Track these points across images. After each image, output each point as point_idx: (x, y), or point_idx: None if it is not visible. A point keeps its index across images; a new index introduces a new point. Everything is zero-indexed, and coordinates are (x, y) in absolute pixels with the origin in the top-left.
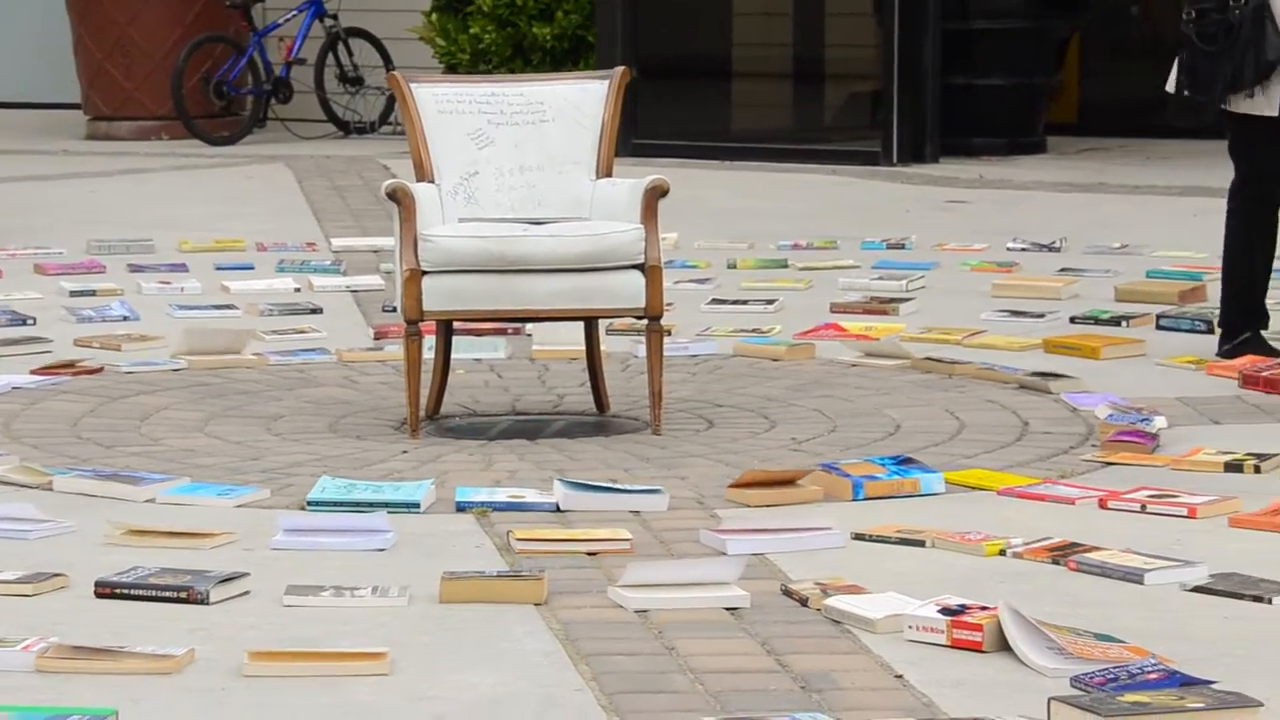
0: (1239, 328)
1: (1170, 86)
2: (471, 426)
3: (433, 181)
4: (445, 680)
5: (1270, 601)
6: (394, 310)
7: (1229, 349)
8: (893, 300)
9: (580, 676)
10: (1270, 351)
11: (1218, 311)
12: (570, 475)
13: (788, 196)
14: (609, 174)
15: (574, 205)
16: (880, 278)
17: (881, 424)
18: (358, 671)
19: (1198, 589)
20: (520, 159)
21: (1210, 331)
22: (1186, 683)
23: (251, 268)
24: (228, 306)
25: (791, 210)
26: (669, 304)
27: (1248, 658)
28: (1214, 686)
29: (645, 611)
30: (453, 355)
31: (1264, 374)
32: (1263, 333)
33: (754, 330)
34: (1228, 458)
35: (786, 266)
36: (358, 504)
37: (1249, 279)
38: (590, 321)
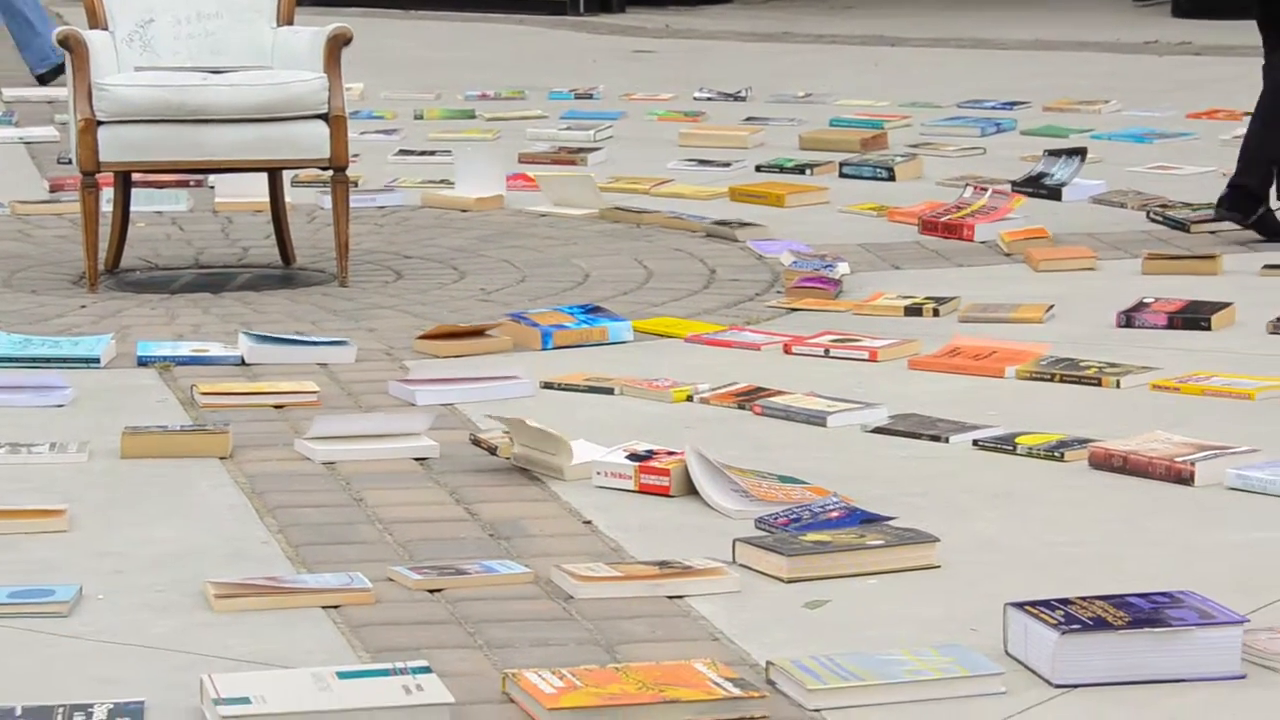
0: (1256, 198)
1: None
2: (153, 280)
3: (106, 29)
4: (127, 535)
5: (947, 440)
6: (69, 162)
7: (1250, 221)
8: (581, 150)
9: (266, 529)
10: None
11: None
12: (255, 328)
13: (474, 46)
14: (290, 22)
15: (255, 54)
16: (568, 128)
17: (570, 273)
18: (36, 529)
19: (878, 430)
20: (197, 6)
21: (892, 179)
22: (867, 520)
23: None
24: None
25: (478, 60)
26: (355, 155)
27: (925, 495)
28: (893, 523)
29: (332, 463)
30: (132, 208)
31: (943, 219)
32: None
33: (442, 181)
34: (908, 302)
35: (474, 117)
36: (34, 360)
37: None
38: (274, 173)
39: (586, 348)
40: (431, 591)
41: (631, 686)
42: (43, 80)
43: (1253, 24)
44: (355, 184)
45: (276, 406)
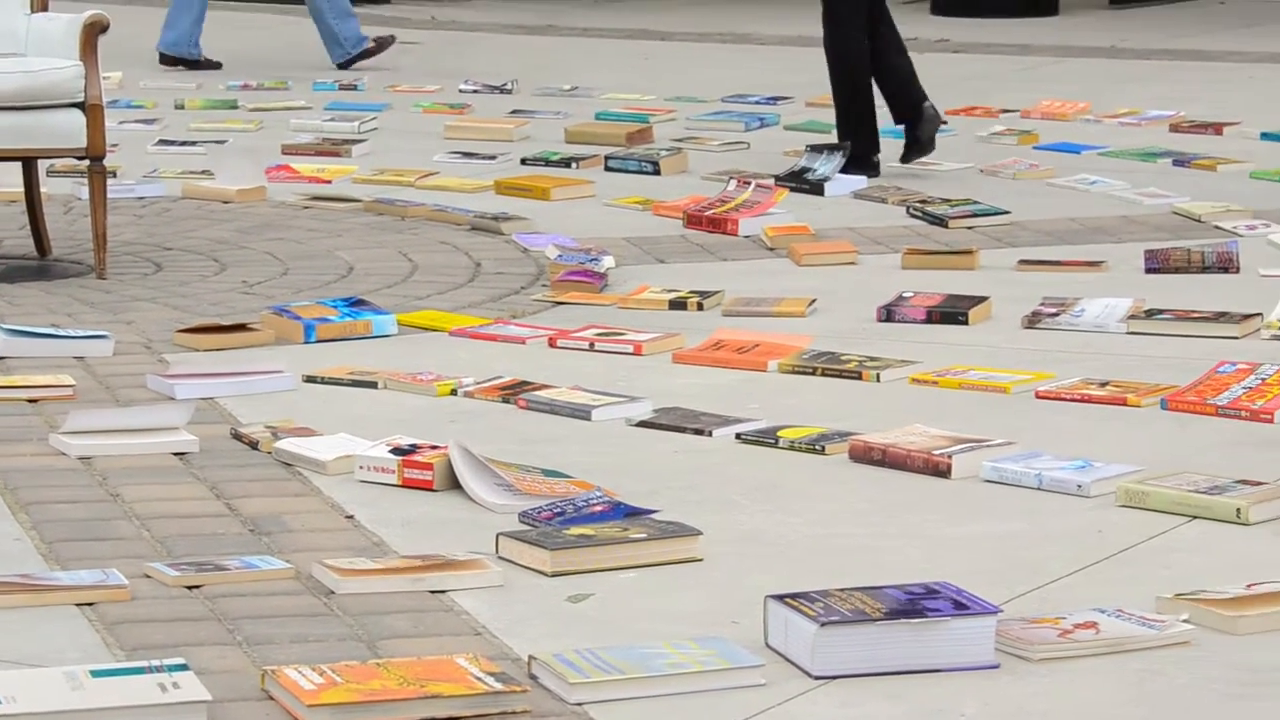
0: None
1: None
2: None
3: None
4: None
5: (710, 434)
6: None
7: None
8: (345, 142)
9: (19, 525)
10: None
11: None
12: (10, 321)
13: (237, 36)
14: (45, 8)
15: (7, 40)
16: (332, 119)
17: (334, 266)
18: None
19: (642, 424)
20: None
21: (657, 172)
22: (630, 514)
23: None
24: None
25: (241, 50)
26: (113, 145)
27: (688, 488)
28: (656, 517)
29: (88, 458)
30: None
31: (707, 214)
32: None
33: (203, 172)
34: (672, 296)
35: (236, 107)
36: None
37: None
38: (29, 162)
39: (350, 341)
40: (190, 588)
41: (393, 682)
42: (342, 68)
43: (1010, 22)
44: (113, 174)
45: (30, 400)
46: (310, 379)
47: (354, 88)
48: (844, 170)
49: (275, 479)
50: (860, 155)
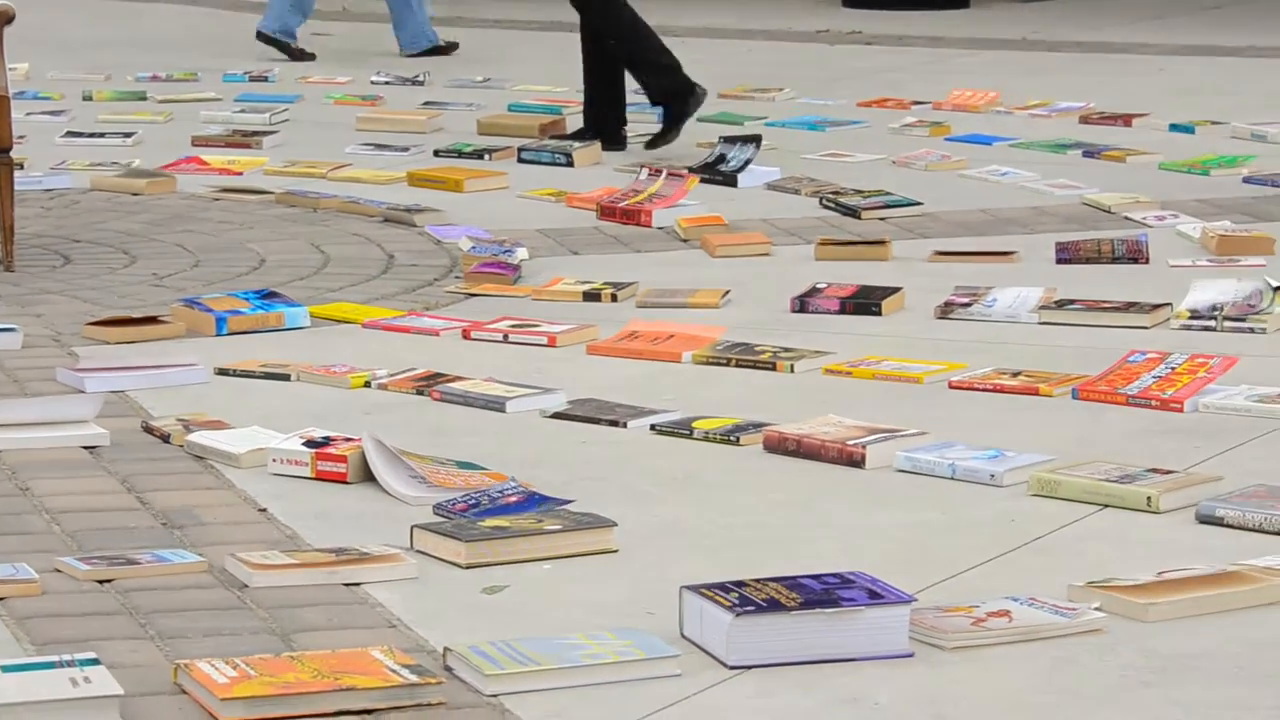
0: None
1: None
2: None
3: None
4: None
5: (625, 425)
6: None
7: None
8: (256, 133)
9: None
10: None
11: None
12: None
13: (145, 27)
14: None
15: None
16: (243, 110)
17: (245, 258)
18: None
19: (557, 415)
20: None
21: (570, 164)
22: (545, 505)
23: None
24: None
25: (150, 41)
26: (20, 136)
27: (603, 479)
28: (571, 508)
29: None
30: None
31: (621, 205)
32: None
33: (113, 164)
34: (586, 287)
35: (145, 99)
36: None
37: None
38: None
39: (262, 334)
40: (101, 582)
41: (307, 675)
42: (411, 58)
43: (922, 14)
44: (20, 166)
45: None
46: (222, 371)
47: (265, 79)
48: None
49: (188, 472)
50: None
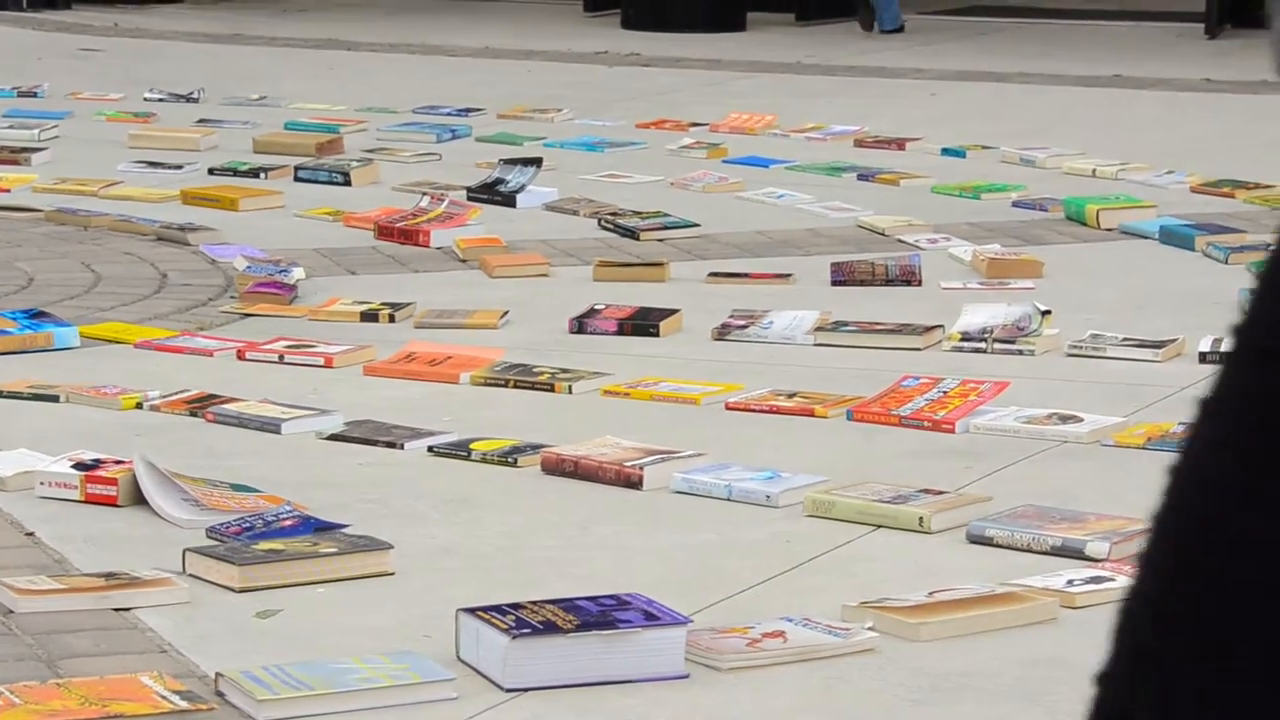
0: None
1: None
2: None
3: None
4: None
5: (402, 447)
6: None
7: None
8: (25, 150)
9: None
10: None
11: None
12: None
13: None
14: None
15: None
16: (11, 126)
17: (13, 277)
18: None
19: (333, 437)
20: None
21: (347, 183)
22: (320, 528)
23: None
24: None
25: None
26: None
27: (380, 502)
28: (347, 531)
29: None
30: None
31: (399, 225)
32: None
33: None
34: (364, 307)
35: None
36: None
37: None
38: None
39: (30, 354)
40: None
41: (74, 703)
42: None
43: (699, 37)
44: None
45: None
46: None
47: (33, 94)
48: None
49: None
50: None
